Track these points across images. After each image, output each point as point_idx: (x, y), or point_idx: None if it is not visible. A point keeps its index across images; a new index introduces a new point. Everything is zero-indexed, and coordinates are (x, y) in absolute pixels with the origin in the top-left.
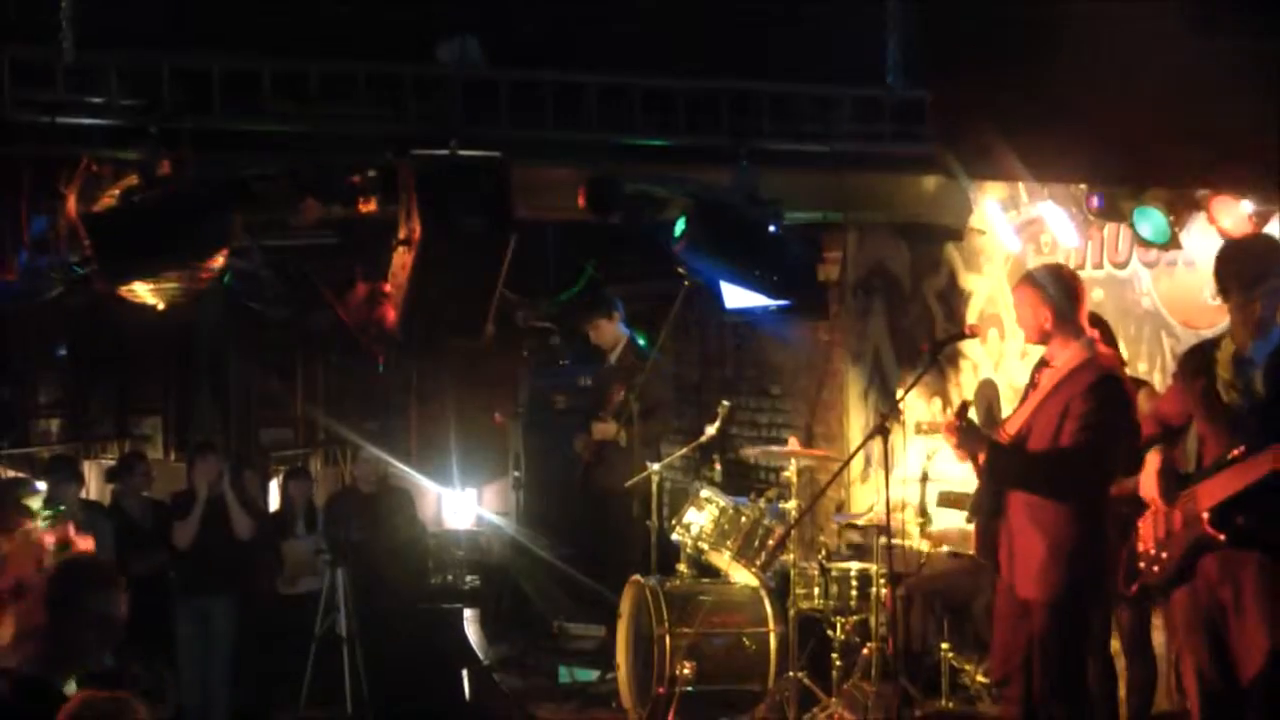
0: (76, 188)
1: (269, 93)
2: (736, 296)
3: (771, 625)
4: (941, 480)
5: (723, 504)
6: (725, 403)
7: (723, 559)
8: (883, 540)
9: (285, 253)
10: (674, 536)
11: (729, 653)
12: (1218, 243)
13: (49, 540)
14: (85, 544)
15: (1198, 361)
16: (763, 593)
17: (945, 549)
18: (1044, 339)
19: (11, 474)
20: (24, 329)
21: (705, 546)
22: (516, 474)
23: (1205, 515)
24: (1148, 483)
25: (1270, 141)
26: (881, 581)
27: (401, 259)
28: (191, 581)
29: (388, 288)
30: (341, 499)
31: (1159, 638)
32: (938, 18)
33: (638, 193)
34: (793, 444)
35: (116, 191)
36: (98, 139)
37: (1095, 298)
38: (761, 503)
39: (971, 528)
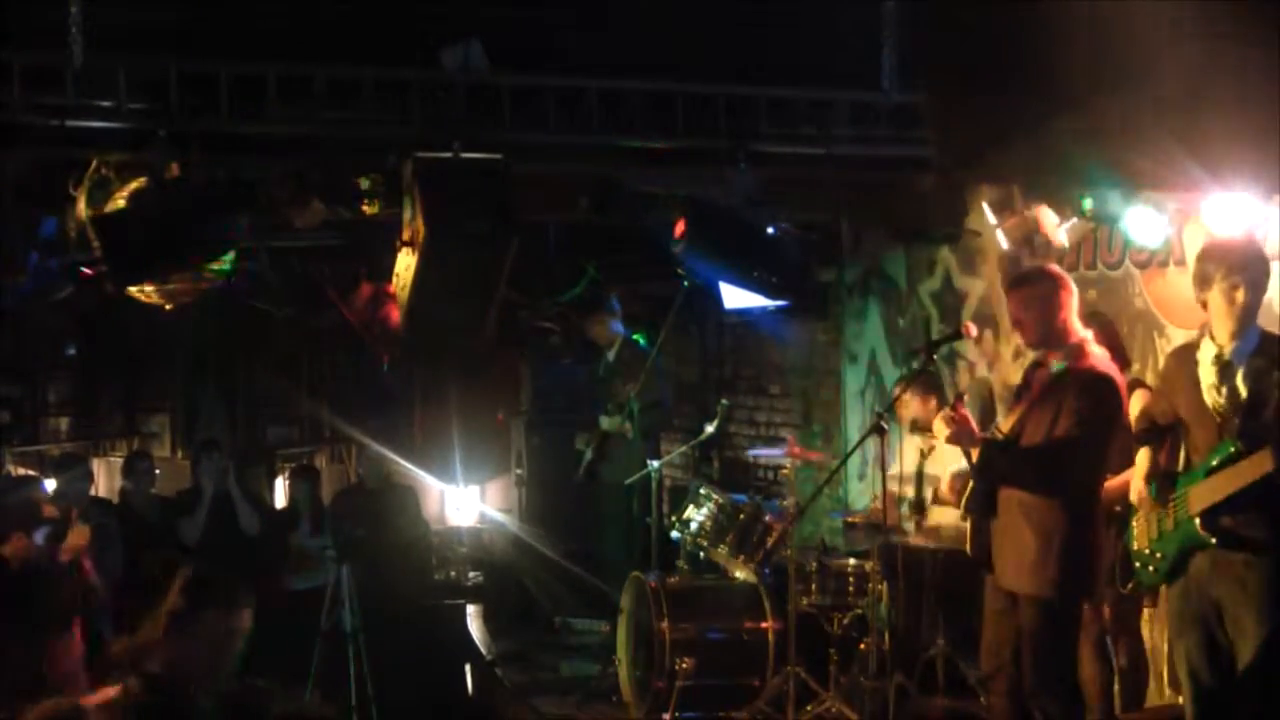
0: (86, 190)
1: (275, 97)
2: (735, 297)
3: (770, 620)
4: (936, 477)
5: (720, 501)
6: (724, 401)
7: (721, 555)
8: (879, 537)
9: (291, 254)
10: (673, 534)
11: (728, 647)
12: None
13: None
14: (80, 536)
15: (1182, 363)
16: (761, 589)
17: (941, 545)
18: (1037, 340)
19: (22, 471)
20: (34, 329)
21: (704, 543)
22: (519, 471)
23: (1197, 518)
24: (1136, 482)
25: (1262, 146)
26: (878, 577)
27: (405, 260)
28: None
29: (392, 288)
30: (347, 496)
31: (1150, 631)
32: (933, 23)
33: (638, 194)
34: (790, 443)
35: (125, 194)
36: (107, 142)
37: (1089, 298)
38: (759, 499)
39: (966, 524)
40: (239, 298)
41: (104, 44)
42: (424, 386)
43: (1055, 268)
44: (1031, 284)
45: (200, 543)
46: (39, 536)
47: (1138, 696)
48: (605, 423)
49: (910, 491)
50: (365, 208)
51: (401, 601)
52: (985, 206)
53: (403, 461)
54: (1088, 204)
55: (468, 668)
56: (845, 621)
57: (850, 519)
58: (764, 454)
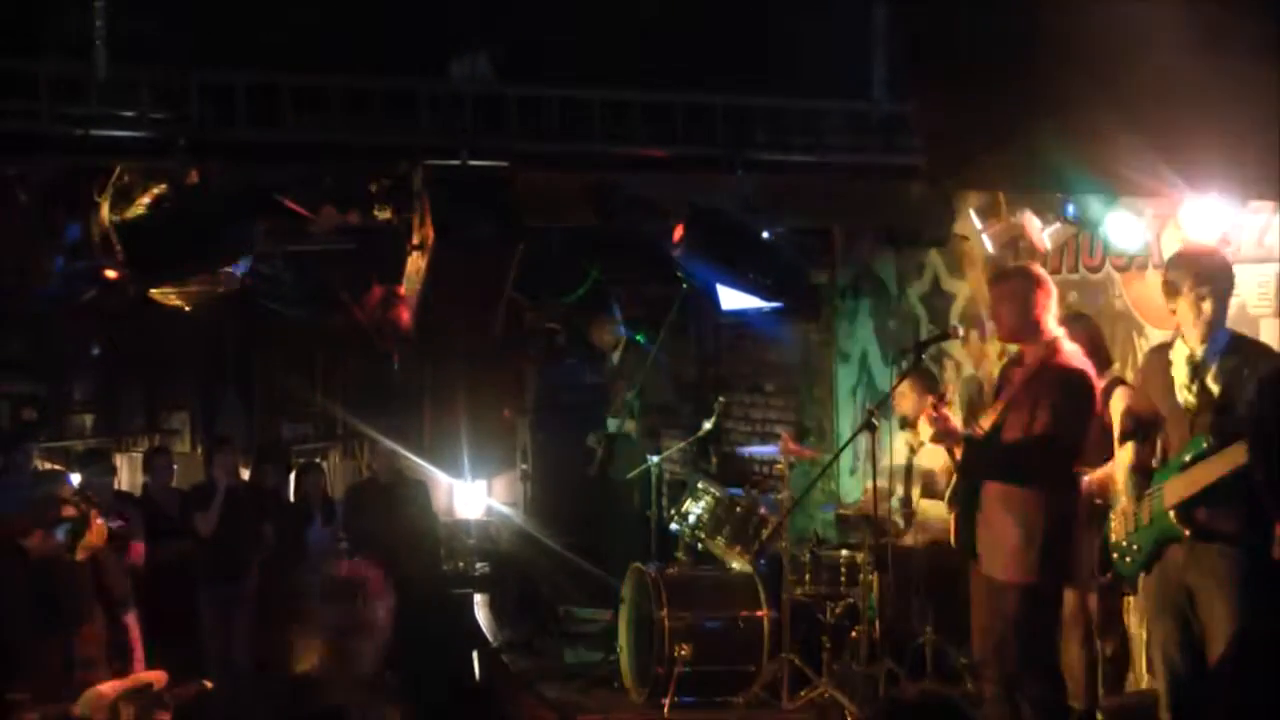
0: (109, 197)
1: (290, 107)
2: (732, 299)
3: (765, 609)
4: (926, 471)
5: (718, 495)
6: (721, 399)
7: (718, 547)
8: (870, 529)
9: (305, 257)
10: (672, 526)
11: (725, 635)
12: None
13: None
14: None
15: (1157, 362)
16: (756, 579)
17: (929, 537)
18: (1010, 333)
19: (48, 466)
20: (59, 330)
21: (702, 535)
22: (524, 467)
23: (1172, 511)
24: (1118, 477)
25: (1237, 152)
26: (869, 568)
27: (415, 263)
28: (214, 568)
29: (402, 291)
30: (360, 490)
31: (1132, 620)
32: (922, 35)
33: (638, 200)
34: (784, 439)
35: (147, 200)
36: (129, 150)
37: (1071, 300)
38: (755, 493)
39: (951, 517)
40: (256, 300)
41: (127, 56)
42: (434, 385)
43: (1036, 267)
44: (1010, 280)
45: (214, 535)
46: (59, 533)
47: (1119, 682)
48: (612, 425)
49: (900, 486)
50: (377, 213)
51: (411, 591)
52: (972, 212)
53: (413, 457)
54: (1070, 210)
55: (475, 654)
56: (838, 610)
57: (842, 512)
58: (759, 451)
